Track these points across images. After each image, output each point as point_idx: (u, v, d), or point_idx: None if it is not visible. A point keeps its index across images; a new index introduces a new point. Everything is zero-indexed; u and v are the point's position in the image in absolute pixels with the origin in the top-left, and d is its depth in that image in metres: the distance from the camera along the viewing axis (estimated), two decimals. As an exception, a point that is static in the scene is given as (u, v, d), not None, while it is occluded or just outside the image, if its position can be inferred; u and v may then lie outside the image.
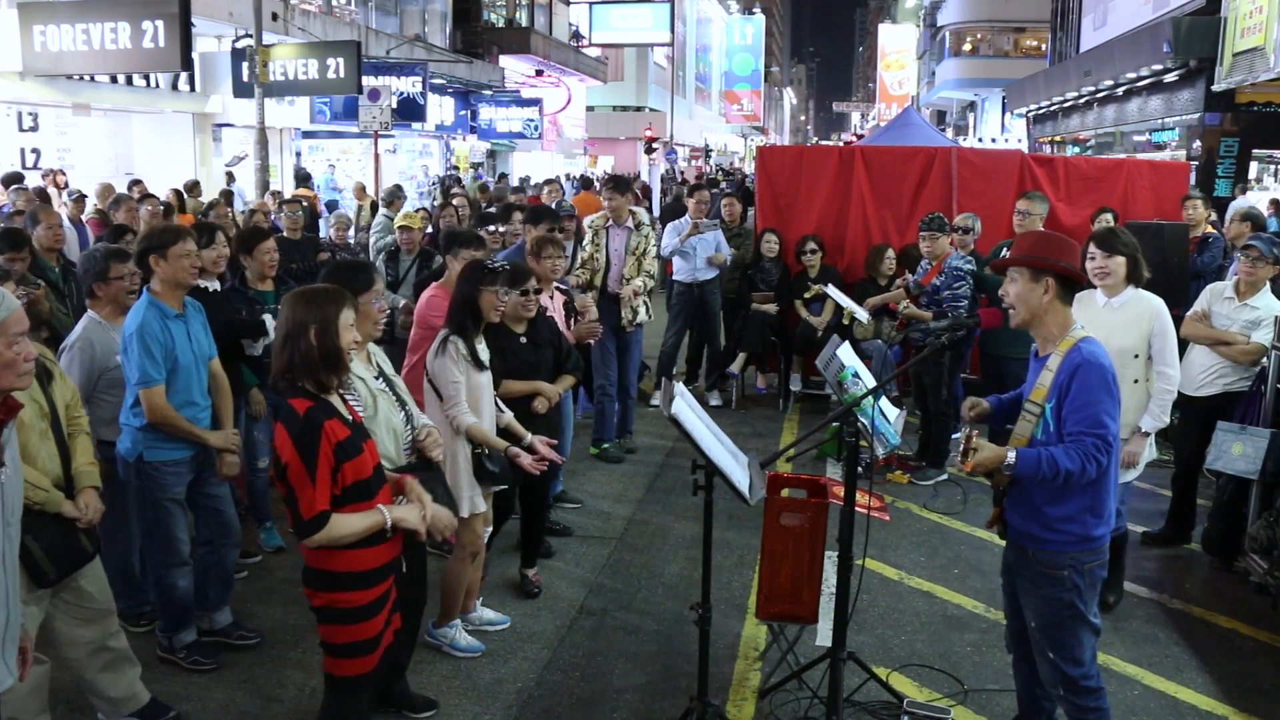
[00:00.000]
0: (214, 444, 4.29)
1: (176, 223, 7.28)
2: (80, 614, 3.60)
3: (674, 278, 8.53)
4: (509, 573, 5.30)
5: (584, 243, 7.38)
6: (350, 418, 3.16)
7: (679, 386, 3.57)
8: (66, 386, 3.67)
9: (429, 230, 9.77)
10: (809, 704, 4.01)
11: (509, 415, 4.57)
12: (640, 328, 7.39)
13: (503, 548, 5.31)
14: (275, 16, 16.10)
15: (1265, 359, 5.35)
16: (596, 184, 17.33)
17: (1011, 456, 3.21)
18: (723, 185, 20.40)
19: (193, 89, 16.87)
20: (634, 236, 7.25)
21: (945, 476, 6.91)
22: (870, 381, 4.25)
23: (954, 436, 7.31)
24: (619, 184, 7.51)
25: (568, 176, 24.73)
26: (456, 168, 23.81)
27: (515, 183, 22.07)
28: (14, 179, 11.23)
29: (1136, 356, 4.61)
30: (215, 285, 5.20)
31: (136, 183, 12.35)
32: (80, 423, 3.67)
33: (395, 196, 11.61)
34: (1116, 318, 4.59)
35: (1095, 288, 4.65)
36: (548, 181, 14.36)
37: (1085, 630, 3.31)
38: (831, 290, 8.02)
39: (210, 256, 4.99)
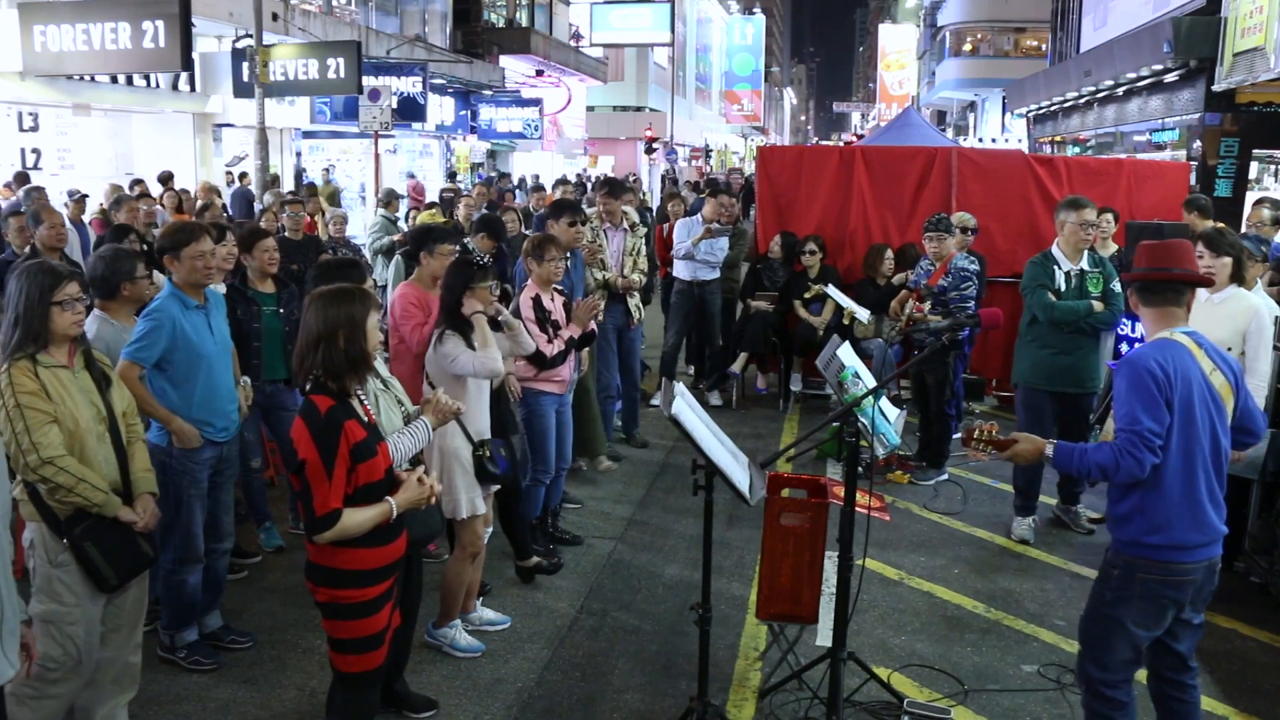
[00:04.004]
0: (180, 431, 4.19)
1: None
2: (113, 618, 3.58)
3: (675, 276, 8.53)
4: (509, 573, 5.30)
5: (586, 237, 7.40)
6: (366, 419, 3.18)
7: (679, 386, 3.57)
8: (124, 394, 3.69)
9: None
10: (809, 704, 4.01)
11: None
12: (640, 324, 7.42)
13: (503, 548, 5.31)
14: (275, 16, 16.11)
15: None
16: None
17: (1050, 449, 3.27)
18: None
19: (193, 89, 16.88)
20: (629, 238, 7.31)
21: (945, 476, 6.90)
22: (870, 381, 4.25)
23: (955, 437, 7.32)
24: (614, 187, 7.58)
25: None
26: (499, 170, 23.90)
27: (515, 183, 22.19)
28: (167, 178, 11.40)
29: (1230, 350, 4.66)
30: (221, 287, 5.20)
31: (138, 182, 12.38)
32: (137, 430, 3.69)
33: (392, 197, 11.63)
34: (1216, 313, 4.80)
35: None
36: (560, 183, 14.27)
37: (1118, 637, 3.20)
38: (831, 290, 8.02)
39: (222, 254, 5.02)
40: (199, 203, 10.99)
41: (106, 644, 3.57)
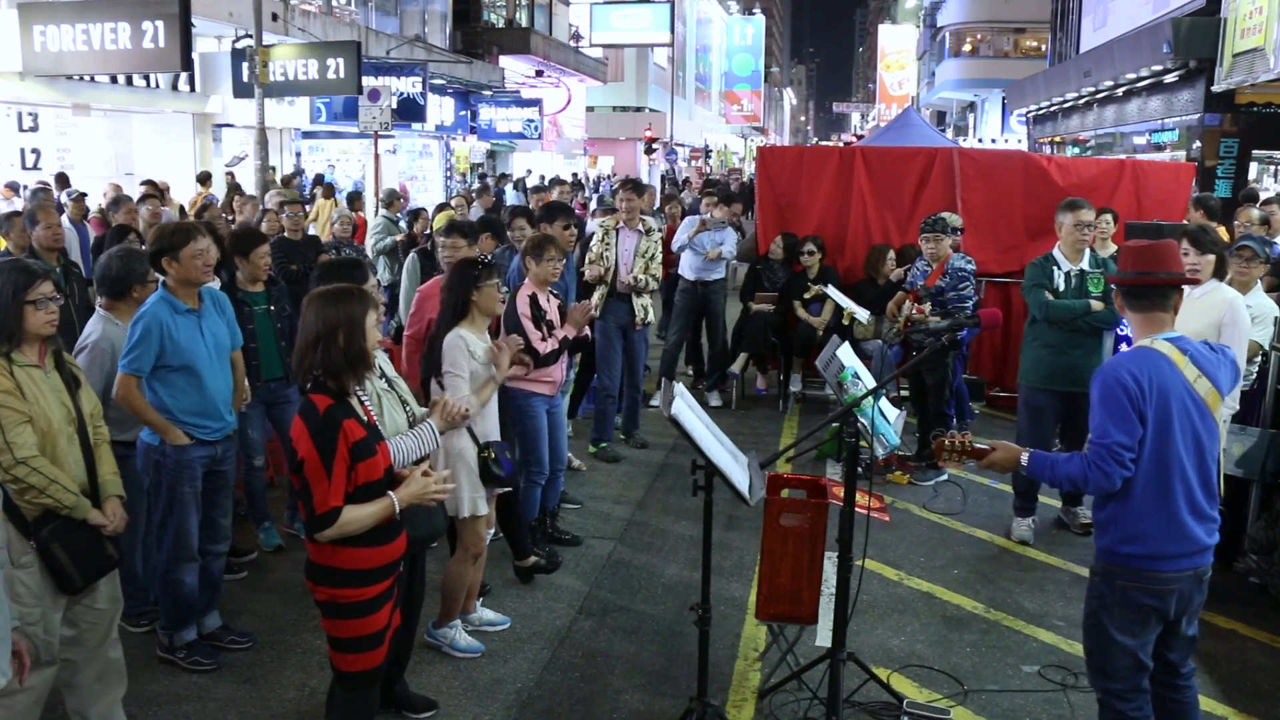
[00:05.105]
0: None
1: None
2: (86, 618, 3.58)
3: (679, 275, 8.52)
4: (508, 573, 5.30)
5: (593, 242, 7.40)
6: (366, 418, 3.18)
7: (679, 387, 3.57)
8: (91, 396, 3.67)
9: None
10: (809, 704, 4.01)
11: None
12: (647, 326, 7.43)
13: (502, 549, 5.31)
14: (275, 17, 16.11)
15: (1265, 359, 5.36)
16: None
17: (1025, 458, 3.25)
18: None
19: (193, 89, 16.87)
20: (644, 240, 7.29)
21: (945, 476, 6.90)
22: (870, 381, 4.25)
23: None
24: (638, 187, 7.59)
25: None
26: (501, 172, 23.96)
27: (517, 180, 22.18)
28: (205, 178, 11.34)
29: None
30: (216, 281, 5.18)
31: (147, 182, 12.36)
32: (103, 432, 3.67)
33: (394, 198, 11.61)
34: (1193, 306, 4.80)
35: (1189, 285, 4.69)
36: (556, 183, 14.27)
37: (1110, 647, 3.16)
38: (831, 290, 8.02)
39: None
40: (198, 204, 11.01)
41: (83, 643, 3.56)
